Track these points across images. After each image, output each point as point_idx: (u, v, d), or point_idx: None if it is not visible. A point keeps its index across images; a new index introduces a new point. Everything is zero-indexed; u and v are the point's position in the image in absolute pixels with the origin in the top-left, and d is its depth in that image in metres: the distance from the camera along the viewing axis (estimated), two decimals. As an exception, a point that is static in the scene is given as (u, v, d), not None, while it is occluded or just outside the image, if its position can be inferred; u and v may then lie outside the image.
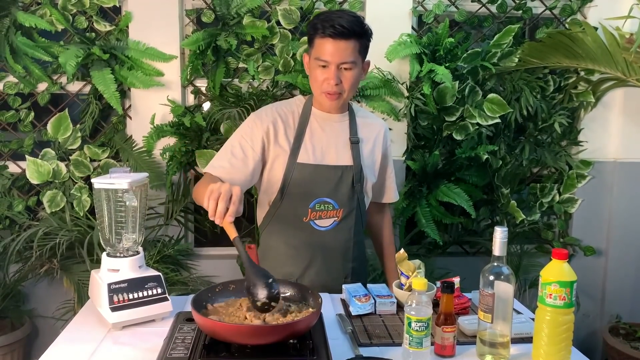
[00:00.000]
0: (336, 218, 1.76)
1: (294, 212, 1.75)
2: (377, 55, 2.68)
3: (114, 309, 1.40)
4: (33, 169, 2.65)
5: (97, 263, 2.37)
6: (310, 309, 1.29)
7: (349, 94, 1.71)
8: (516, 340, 1.39)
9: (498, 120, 2.69)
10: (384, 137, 1.87)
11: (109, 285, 1.42)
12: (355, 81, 1.69)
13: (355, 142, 1.78)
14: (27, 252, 2.56)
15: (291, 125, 1.75)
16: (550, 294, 1.23)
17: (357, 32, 1.63)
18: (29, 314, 2.76)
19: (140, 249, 1.53)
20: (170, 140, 2.68)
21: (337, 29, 1.59)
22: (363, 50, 1.68)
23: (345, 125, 1.79)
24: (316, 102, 1.78)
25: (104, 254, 1.51)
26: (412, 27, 2.78)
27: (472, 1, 2.82)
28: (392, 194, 1.98)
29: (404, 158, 2.80)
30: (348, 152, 1.77)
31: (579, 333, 2.98)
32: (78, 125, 2.71)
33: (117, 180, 1.44)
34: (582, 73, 2.78)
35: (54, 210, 2.67)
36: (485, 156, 2.70)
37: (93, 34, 2.66)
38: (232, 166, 1.69)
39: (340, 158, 1.76)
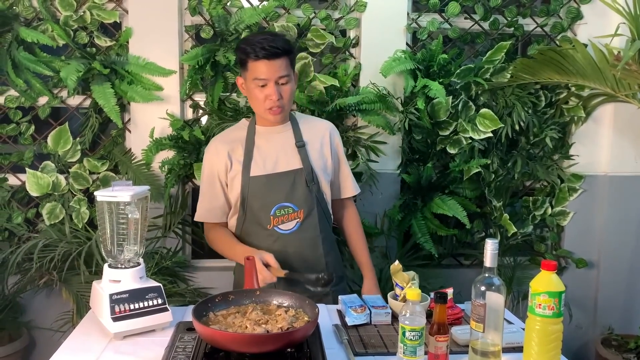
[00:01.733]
0: (298, 219, 1.87)
1: (257, 222, 1.88)
2: (372, 71, 2.76)
3: (115, 319, 1.43)
4: (33, 181, 2.68)
5: (95, 275, 2.40)
6: (307, 318, 1.33)
7: (289, 106, 1.88)
8: (507, 350, 1.43)
9: (490, 135, 2.75)
10: (330, 136, 1.98)
11: (111, 295, 1.46)
12: (292, 93, 1.86)
13: (301, 146, 1.90)
14: (25, 264, 2.58)
15: (239, 147, 1.90)
16: (540, 304, 1.28)
17: (286, 50, 1.80)
18: (27, 325, 2.77)
19: (141, 260, 1.57)
20: (168, 154, 2.72)
21: (268, 50, 1.76)
22: (292, 64, 1.87)
23: (289, 134, 1.92)
24: (259, 120, 1.93)
25: (106, 265, 1.54)
26: (407, 44, 2.84)
27: (465, 18, 2.88)
28: (350, 188, 2.06)
29: (398, 171, 2.84)
30: (296, 156, 1.89)
31: (571, 344, 3.04)
32: (78, 139, 2.75)
33: (120, 193, 1.48)
34: (573, 89, 2.85)
35: (53, 222, 2.69)
36: (478, 170, 2.76)
37: (94, 49, 2.70)
38: (213, 208, 1.93)
39: (290, 163, 1.89)
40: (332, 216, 2.02)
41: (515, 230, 2.80)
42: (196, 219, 1.97)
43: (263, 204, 1.86)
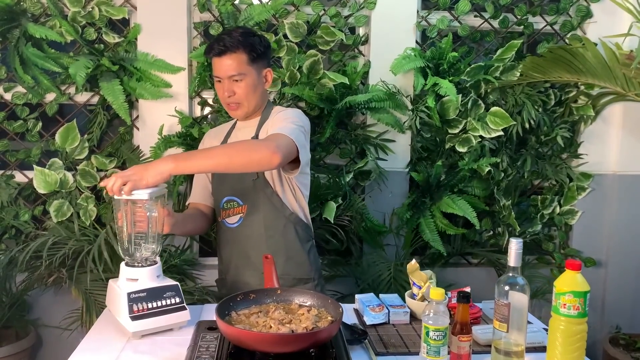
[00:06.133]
0: (242, 214, 1.85)
1: (216, 213, 1.94)
2: (382, 69, 2.75)
3: (134, 318, 1.42)
4: (40, 178, 2.66)
5: (104, 273, 2.39)
6: (330, 317, 1.32)
7: (249, 102, 1.83)
8: (529, 350, 1.42)
9: (501, 133, 2.74)
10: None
11: (129, 294, 1.44)
12: (250, 90, 1.81)
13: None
14: (32, 262, 2.56)
15: (218, 140, 1.95)
16: (565, 304, 1.27)
17: (241, 46, 1.77)
18: (34, 323, 2.75)
19: (158, 258, 1.56)
20: (177, 151, 2.71)
21: (219, 48, 1.77)
22: (254, 59, 1.80)
23: (255, 128, 1.88)
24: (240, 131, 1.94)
25: (123, 263, 1.53)
26: (416, 42, 2.83)
27: (474, 16, 2.87)
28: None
29: (407, 169, 2.83)
30: None
31: (579, 343, 3.03)
32: (85, 136, 2.73)
33: (138, 191, 1.46)
34: (582, 87, 2.84)
35: (60, 220, 2.68)
36: (488, 168, 2.75)
37: (102, 46, 2.68)
38: (202, 190, 2.00)
39: None
40: (283, 214, 1.84)
41: (521, 229, 2.79)
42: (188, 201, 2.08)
43: (217, 196, 1.91)
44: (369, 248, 2.85)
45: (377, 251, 2.83)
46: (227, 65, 1.78)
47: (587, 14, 2.86)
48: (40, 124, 2.73)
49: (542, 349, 1.39)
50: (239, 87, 1.79)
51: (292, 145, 1.63)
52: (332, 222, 2.61)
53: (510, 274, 1.32)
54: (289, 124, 1.70)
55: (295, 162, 1.70)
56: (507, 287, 1.31)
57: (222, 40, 1.78)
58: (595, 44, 2.67)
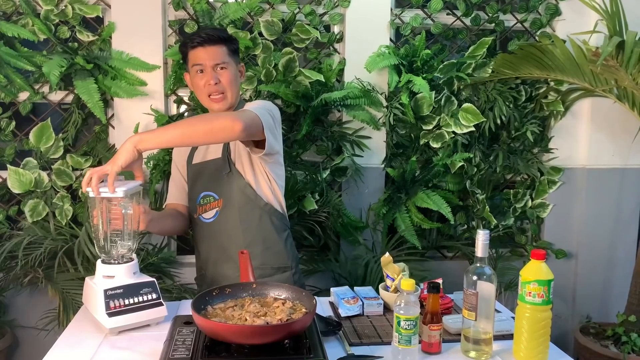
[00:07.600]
0: (218, 208, 1.87)
1: (191, 210, 1.94)
2: (357, 66, 2.78)
3: (110, 315, 1.43)
4: (15, 178, 2.64)
5: (83, 272, 2.38)
6: (304, 310, 1.35)
7: (232, 93, 1.86)
8: (497, 337, 1.47)
9: (473, 129, 2.80)
10: None
11: (105, 291, 1.45)
12: (233, 79, 1.85)
13: None
14: (7, 262, 2.54)
15: None
16: (530, 292, 1.32)
17: (222, 38, 1.85)
18: (10, 324, 2.73)
19: (134, 255, 1.57)
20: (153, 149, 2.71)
21: (203, 37, 1.82)
22: (233, 53, 1.88)
23: None
24: (211, 113, 1.94)
25: (99, 261, 1.53)
26: (390, 39, 2.87)
27: (447, 14, 2.92)
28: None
29: (383, 165, 2.88)
30: (220, 145, 1.89)
31: (551, 333, 3.10)
32: (60, 135, 2.71)
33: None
34: (552, 83, 2.91)
35: (35, 220, 2.66)
36: (461, 164, 2.81)
37: (75, 44, 2.67)
38: (178, 190, 2.02)
39: (217, 152, 1.90)
40: (260, 205, 1.86)
41: (496, 222, 2.86)
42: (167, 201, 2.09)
43: (193, 193, 1.92)
44: (346, 243, 2.89)
45: (354, 246, 2.87)
46: (211, 53, 1.82)
47: (556, 12, 2.93)
48: (13, 123, 2.70)
49: (510, 336, 1.44)
50: (223, 76, 1.83)
51: (257, 120, 1.64)
52: (315, 210, 2.63)
53: (478, 264, 1.36)
54: (255, 105, 1.74)
55: (263, 144, 1.72)
56: (475, 277, 1.36)
57: (201, 33, 1.83)
58: (564, 41, 2.73)
